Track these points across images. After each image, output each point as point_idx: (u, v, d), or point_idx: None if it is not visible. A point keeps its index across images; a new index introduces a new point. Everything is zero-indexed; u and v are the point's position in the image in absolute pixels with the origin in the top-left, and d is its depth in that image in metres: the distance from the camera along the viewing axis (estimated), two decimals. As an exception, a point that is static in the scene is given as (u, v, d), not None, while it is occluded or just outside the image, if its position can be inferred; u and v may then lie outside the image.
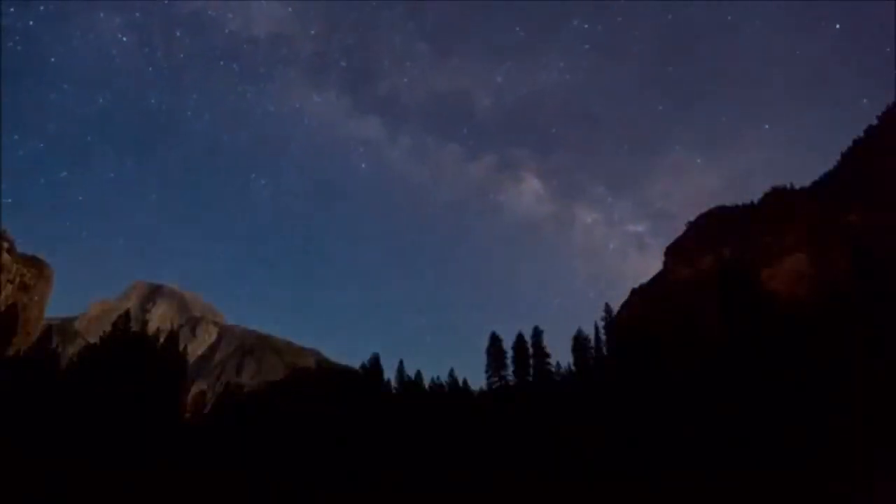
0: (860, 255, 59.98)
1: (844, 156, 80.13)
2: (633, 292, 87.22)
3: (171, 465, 60.62)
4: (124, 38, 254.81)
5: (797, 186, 79.58)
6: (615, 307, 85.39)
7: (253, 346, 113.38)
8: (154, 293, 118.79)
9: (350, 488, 71.58)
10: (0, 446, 34.61)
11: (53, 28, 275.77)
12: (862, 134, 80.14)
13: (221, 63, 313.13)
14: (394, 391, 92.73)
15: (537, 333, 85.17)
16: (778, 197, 77.48)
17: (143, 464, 57.59)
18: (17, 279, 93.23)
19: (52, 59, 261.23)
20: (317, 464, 73.67)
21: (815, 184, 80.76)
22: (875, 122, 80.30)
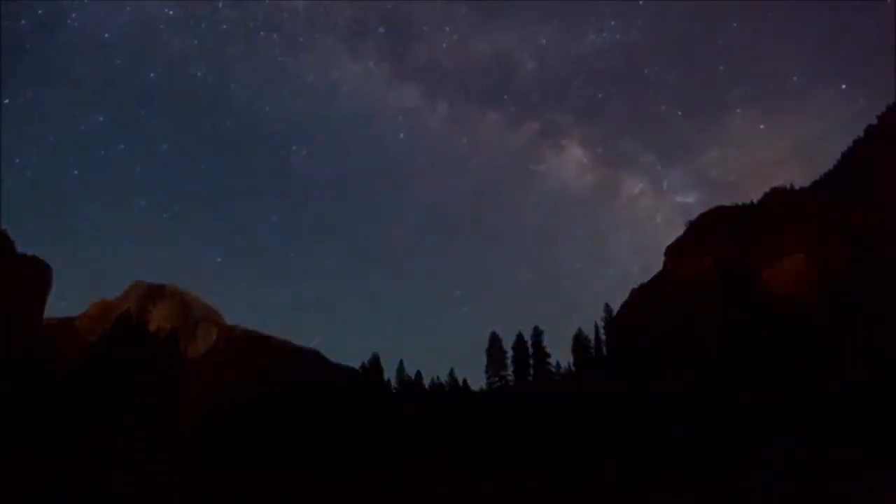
0: (860, 255, 59.99)
1: (844, 155, 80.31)
2: (633, 292, 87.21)
3: (170, 465, 60.63)
4: (171, 12, 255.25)
5: (797, 186, 79.81)
6: (615, 306, 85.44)
7: (253, 346, 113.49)
8: (154, 293, 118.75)
9: (351, 488, 71.47)
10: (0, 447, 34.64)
11: (106, 3, 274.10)
12: (862, 134, 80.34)
13: (262, 34, 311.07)
14: (394, 391, 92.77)
15: (537, 333, 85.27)
16: (778, 197, 77.49)
17: (143, 464, 57.58)
18: (17, 279, 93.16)
19: (106, 35, 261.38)
20: (317, 463, 73.60)
21: (815, 184, 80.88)
22: (875, 121, 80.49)
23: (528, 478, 50.45)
